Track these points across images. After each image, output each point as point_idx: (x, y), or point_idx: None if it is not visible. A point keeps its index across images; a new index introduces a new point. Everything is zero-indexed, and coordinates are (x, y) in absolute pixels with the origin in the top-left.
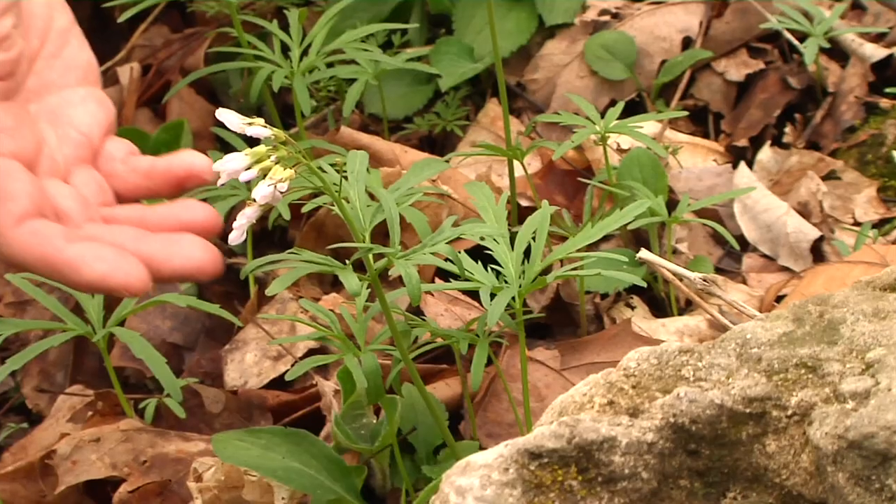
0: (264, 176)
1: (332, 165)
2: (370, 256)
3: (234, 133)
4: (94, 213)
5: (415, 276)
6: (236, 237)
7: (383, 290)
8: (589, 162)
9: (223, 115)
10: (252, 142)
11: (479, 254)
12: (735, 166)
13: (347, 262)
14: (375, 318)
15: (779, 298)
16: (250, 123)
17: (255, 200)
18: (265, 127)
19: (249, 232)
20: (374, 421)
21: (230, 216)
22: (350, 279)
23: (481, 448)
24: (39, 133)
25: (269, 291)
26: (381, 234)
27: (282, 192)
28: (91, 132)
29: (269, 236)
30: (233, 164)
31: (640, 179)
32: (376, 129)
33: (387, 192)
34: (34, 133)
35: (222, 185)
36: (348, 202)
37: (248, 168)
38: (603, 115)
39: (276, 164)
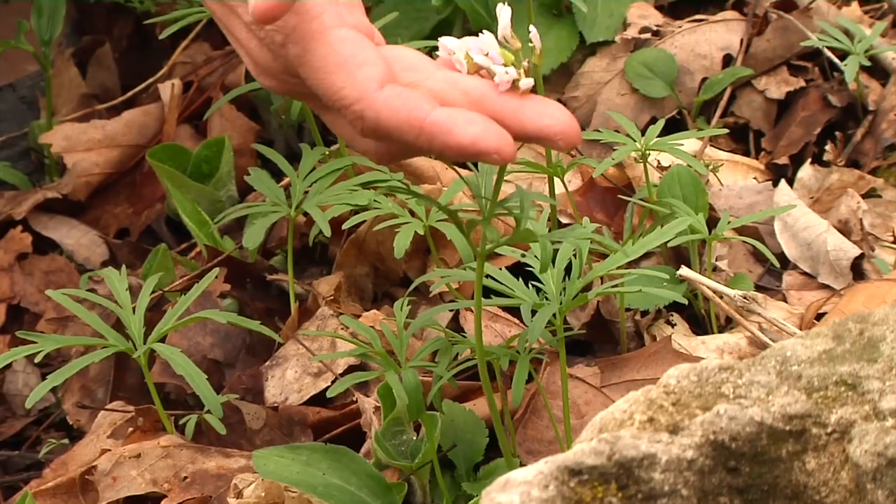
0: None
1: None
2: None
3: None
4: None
5: (549, 248)
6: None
7: (423, 308)
8: (629, 179)
9: (504, 11)
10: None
11: (520, 270)
12: (775, 184)
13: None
14: (416, 334)
15: (819, 316)
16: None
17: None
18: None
19: (290, 250)
20: (415, 438)
21: (271, 233)
22: (491, 231)
23: (521, 465)
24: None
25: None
26: (419, 251)
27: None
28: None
29: (309, 253)
30: (484, 41)
31: (680, 197)
32: None
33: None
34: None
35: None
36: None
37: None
38: (643, 132)
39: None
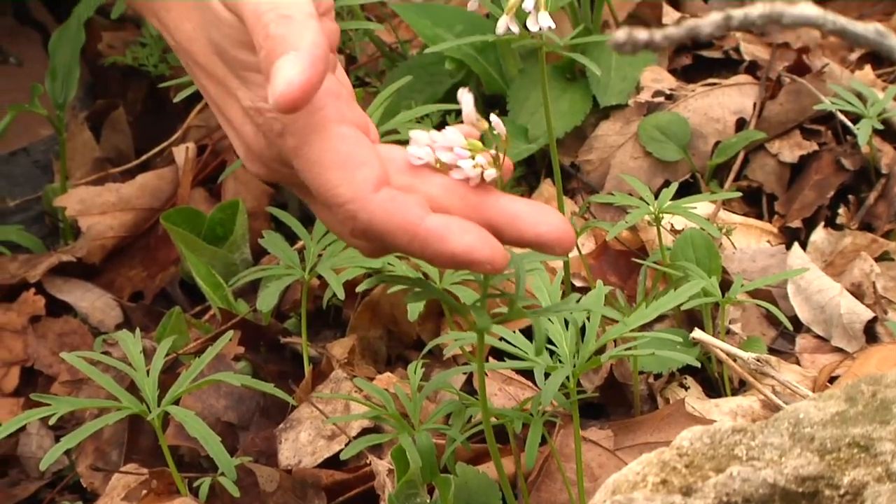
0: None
1: None
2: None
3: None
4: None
5: (542, 328)
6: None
7: (436, 371)
8: (643, 242)
9: (465, 96)
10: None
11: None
12: (788, 247)
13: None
14: (430, 397)
15: (832, 379)
16: (482, 120)
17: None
18: (498, 123)
19: (304, 312)
20: (428, 500)
21: (284, 296)
22: (481, 315)
23: None
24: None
25: (411, 316)
26: (433, 314)
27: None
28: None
29: (323, 316)
30: (449, 135)
31: (693, 260)
32: None
33: (518, 256)
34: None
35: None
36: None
37: (462, 148)
38: (657, 195)
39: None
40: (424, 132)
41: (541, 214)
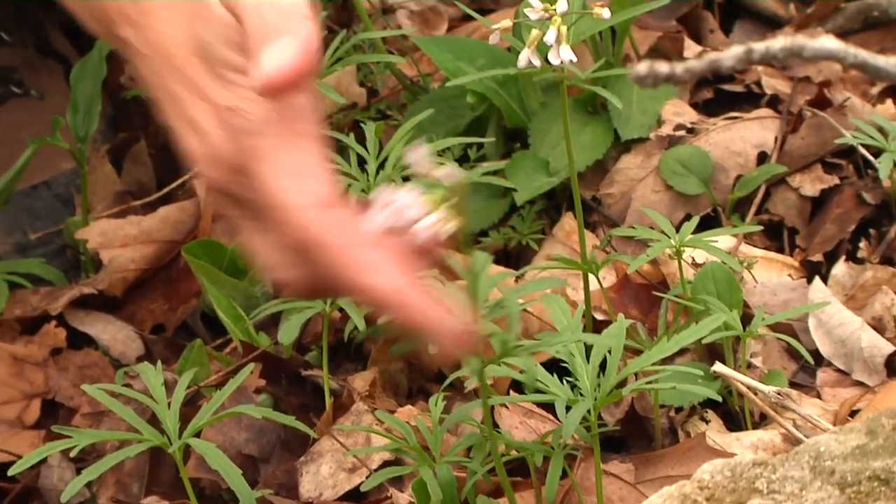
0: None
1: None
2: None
3: None
4: None
5: (534, 368)
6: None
7: (457, 404)
8: (664, 276)
9: (414, 151)
10: None
11: (555, 366)
12: (810, 281)
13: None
14: (450, 430)
15: (853, 413)
16: (438, 166)
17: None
18: (454, 171)
19: (325, 345)
20: None
21: (305, 329)
22: (473, 360)
23: None
24: None
25: (393, 352)
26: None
27: (439, 236)
28: None
29: (344, 348)
30: (403, 196)
31: (714, 293)
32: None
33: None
34: None
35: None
36: None
37: (419, 206)
38: (678, 229)
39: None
40: (386, 189)
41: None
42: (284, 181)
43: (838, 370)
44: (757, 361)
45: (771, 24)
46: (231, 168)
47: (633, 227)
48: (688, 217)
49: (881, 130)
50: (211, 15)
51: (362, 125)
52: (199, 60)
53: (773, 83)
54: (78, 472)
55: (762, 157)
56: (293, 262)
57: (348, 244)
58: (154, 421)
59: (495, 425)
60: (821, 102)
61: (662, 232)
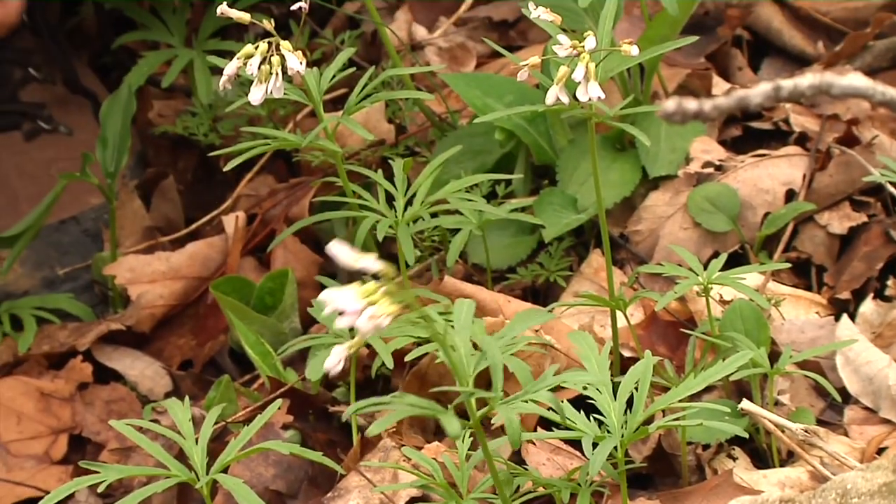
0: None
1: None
2: (473, 402)
3: (340, 283)
4: None
5: (516, 422)
6: (333, 364)
7: (486, 439)
8: (691, 313)
9: (335, 248)
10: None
11: (582, 403)
12: (837, 319)
13: (449, 406)
14: (477, 466)
15: (880, 450)
16: (361, 257)
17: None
18: (376, 261)
19: (353, 381)
20: None
21: None
22: (451, 422)
23: None
24: None
25: (369, 432)
26: (484, 383)
27: (382, 327)
28: None
29: (371, 385)
30: (340, 297)
31: (742, 331)
32: (480, 279)
33: (491, 339)
34: None
35: (326, 315)
36: (453, 349)
37: (355, 301)
38: (706, 266)
39: (383, 297)
40: (332, 293)
41: None
42: None
43: (866, 408)
44: (784, 399)
45: (799, 61)
46: None
47: (661, 264)
48: (716, 254)
49: None
50: None
51: (390, 161)
52: None
53: (801, 121)
54: None
55: (790, 195)
56: None
57: None
58: (182, 456)
59: (522, 462)
60: (849, 140)
61: (690, 269)
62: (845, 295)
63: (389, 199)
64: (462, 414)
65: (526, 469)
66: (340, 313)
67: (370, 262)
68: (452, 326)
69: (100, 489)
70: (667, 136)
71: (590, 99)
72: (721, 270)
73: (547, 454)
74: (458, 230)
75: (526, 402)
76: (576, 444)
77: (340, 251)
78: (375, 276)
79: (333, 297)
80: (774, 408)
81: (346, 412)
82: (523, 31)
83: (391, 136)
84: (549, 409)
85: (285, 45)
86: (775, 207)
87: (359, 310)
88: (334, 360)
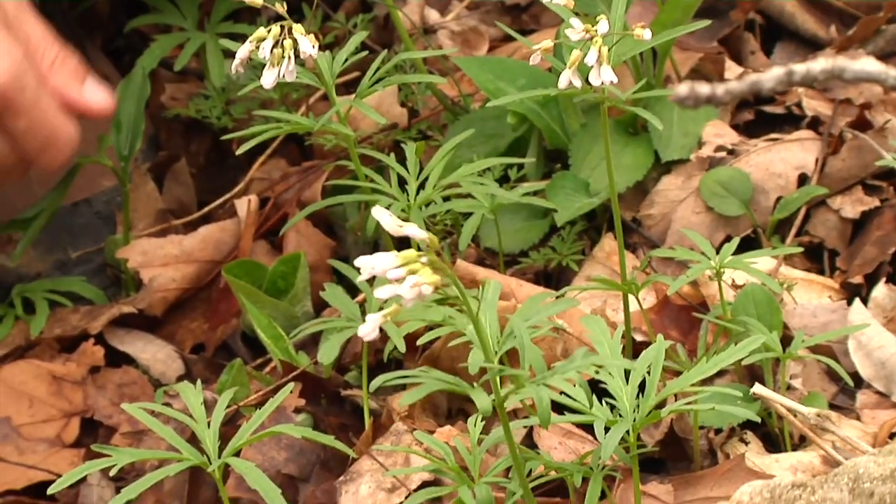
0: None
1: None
2: (498, 380)
3: (355, 266)
4: None
5: (546, 400)
6: (368, 332)
7: (496, 424)
8: (704, 297)
9: (379, 213)
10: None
11: (594, 387)
12: (850, 303)
13: (475, 384)
14: (490, 450)
15: (892, 435)
16: (403, 224)
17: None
18: (420, 230)
19: (365, 365)
20: None
21: (345, 348)
22: (481, 398)
23: None
24: None
25: (402, 402)
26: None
27: (425, 296)
28: None
29: (383, 369)
30: (381, 262)
31: (754, 315)
32: (492, 262)
33: (519, 319)
34: None
35: (363, 280)
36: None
37: (397, 267)
38: (718, 250)
39: (425, 266)
40: (370, 258)
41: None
42: None
43: (878, 392)
44: (796, 383)
45: (811, 45)
46: None
47: (673, 249)
48: (728, 238)
49: None
50: None
51: (403, 145)
52: None
53: (813, 105)
54: (117, 490)
55: (802, 179)
56: None
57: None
58: (194, 440)
59: (534, 446)
60: (862, 124)
61: (702, 253)
62: (858, 279)
63: (402, 182)
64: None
65: (538, 453)
66: (379, 282)
67: (414, 229)
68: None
69: (111, 472)
70: (679, 120)
71: (602, 83)
72: (733, 254)
73: (559, 438)
74: (470, 214)
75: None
76: (588, 428)
77: (384, 216)
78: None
79: (373, 263)
80: (787, 392)
81: (373, 383)
82: (536, 15)
83: (404, 119)
84: (562, 393)
85: (298, 29)
86: (788, 191)
87: (400, 276)
88: (369, 328)
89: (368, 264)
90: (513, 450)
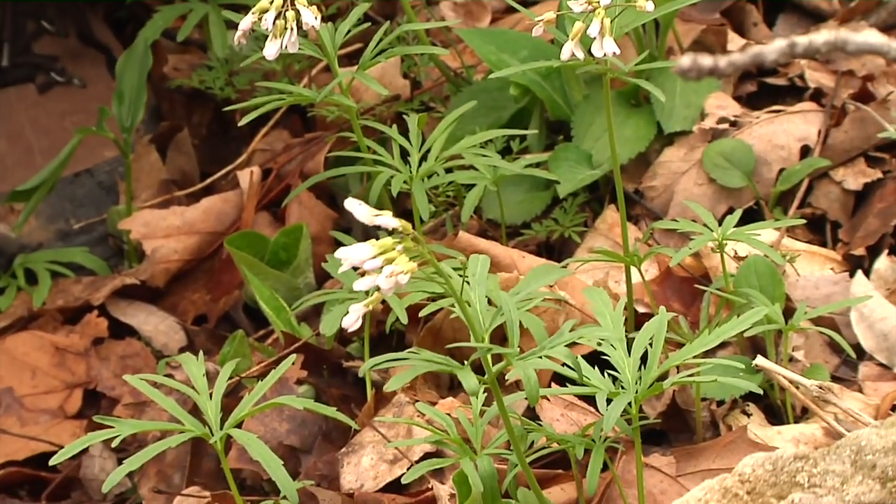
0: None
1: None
2: (489, 358)
3: (355, 238)
4: None
5: (533, 378)
6: (351, 322)
7: (501, 394)
8: (706, 269)
9: (352, 205)
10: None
11: (596, 359)
12: (852, 275)
13: (466, 362)
14: (491, 422)
15: (894, 407)
16: (378, 214)
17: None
18: (392, 218)
19: (367, 336)
20: None
21: None
22: (468, 378)
23: None
24: None
25: (387, 388)
26: (498, 339)
27: (402, 284)
28: None
29: (386, 340)
30: (357, 253)
31: (757, 287)
32: (494, 234)
33: (507, 295)
34: None
35: (343, 272)
36: (469, 305)
37: (373, 258)
38: (720, 222)
39: (401, 254)
40: (348, 249)
41: None
42: None
43: (880, 364)
44: (799, 355)
45: (814, 17)
46: None
47: (676, 220)
48: (730, 210)
49: None
50: None
51: (405, 117)
52: None
53: (816, 77)
54: (119, 462)
55: (805, 151)
56: None
57: None
58: (196, 411)
59: (536, 418)
60: (864, 96)
61: (705, 225)
62: (860, 251)
63: (404, 154)
64: (477, 369)
65: (540, 425)
66: (360, 273)
67: (387, 219)
68: (467, 282)
69: (114, 444)
70: (682, 91)
71: (605, 54)
72: (736, 226)
73: (561, 410)
74: (472, 186)
75: (542, 357)
76: (590, 399)
77: (356, 208)
78: (391, 232)
79: (350, 254)
80: (789, 364)
81: (361, 368)
82: None
83: (406, 91)
84: (564, 364)
85: (300, 0)
86: (790, 163)
87: (377, 266)
88: (352, 319)
89: (345, 256)
90: (508, 425)
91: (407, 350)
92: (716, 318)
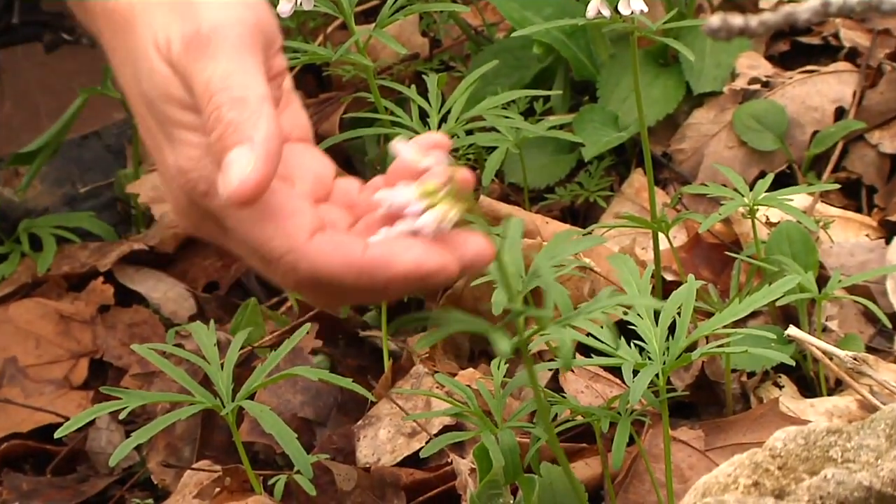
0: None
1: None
2: (522, 321)
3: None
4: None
5: (568, 342)
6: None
7: (521, 367)
8: (737, 235)
9: (400, 145)
10: None
11: (622, 329)
12: (888, 242)
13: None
14: (513, 394)
15: None
16: (427, 155)
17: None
18: (443, 160)
19: (384, 305)
20: (512, 501)
21: None
22: (501, 340)
23: None
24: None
25: (417, 346)
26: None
27: (445, 231)
28: (325, 173)
29: (404, 309)
30: (400, 196)
31: (789, 254)
32: (516, 198)
33: (544, 258)
34: (286, 165)
35: (381, 214)
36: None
37: (417, 201)
38: (752, 186)
39: (446, 198)
40: (388, 191)
41: (470, 239)
42: (261, 231)
43: None
44: (833, 325)
45: None
46: (200, 220)
47: (705, 185)
48: (762, 174)
49: None
50: (150, 68)
51: (424, 76)
52: (148, 113)
53: (851, 36)
54: (127, 434)
55: (840, 113)
56: (312, 291)
57: (353, 255)
58: (206, 382)
59: (559, 389)
60: None
61: (735, 190)
62: None
63: (423, 115)
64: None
65: (564, 397)
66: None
67: (436, 159)
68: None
69: (121, 416)
70: (712, 51)
71: (632, 12)
72: (767, 191)
73: (585, 381)
74: (494, 148)
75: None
76: (615, 371)
77: (404, 148)
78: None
79: (391, 196)
80: (822, 334)
81: (392, 325)
82: None
83: (425, 49)
84: (588, 334)
85: None
86: (824, 125)
87: (419, 210)
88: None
89: (387, 198)
90: (537, 394)
91: (438, 309)
92: (746, 286)
